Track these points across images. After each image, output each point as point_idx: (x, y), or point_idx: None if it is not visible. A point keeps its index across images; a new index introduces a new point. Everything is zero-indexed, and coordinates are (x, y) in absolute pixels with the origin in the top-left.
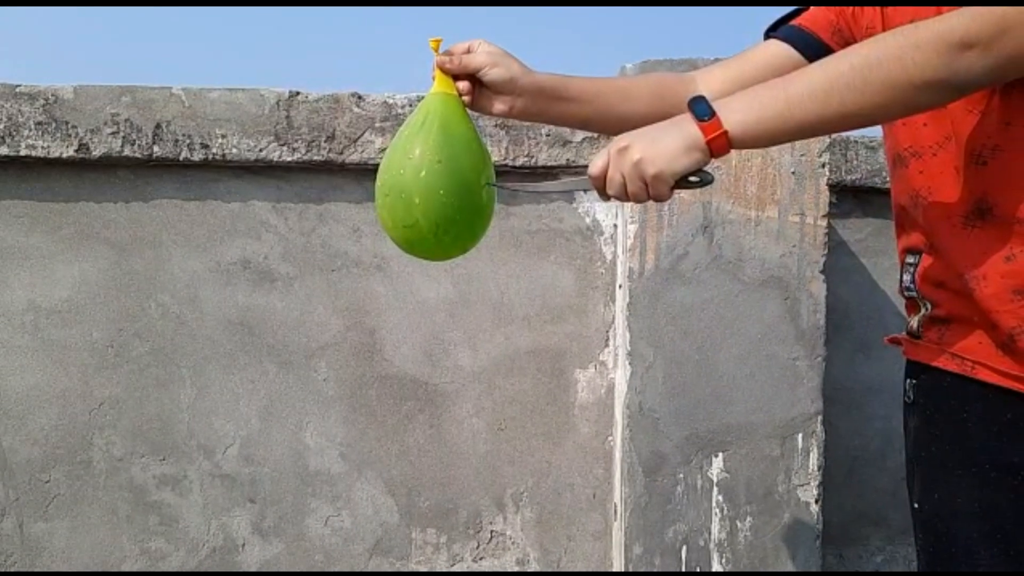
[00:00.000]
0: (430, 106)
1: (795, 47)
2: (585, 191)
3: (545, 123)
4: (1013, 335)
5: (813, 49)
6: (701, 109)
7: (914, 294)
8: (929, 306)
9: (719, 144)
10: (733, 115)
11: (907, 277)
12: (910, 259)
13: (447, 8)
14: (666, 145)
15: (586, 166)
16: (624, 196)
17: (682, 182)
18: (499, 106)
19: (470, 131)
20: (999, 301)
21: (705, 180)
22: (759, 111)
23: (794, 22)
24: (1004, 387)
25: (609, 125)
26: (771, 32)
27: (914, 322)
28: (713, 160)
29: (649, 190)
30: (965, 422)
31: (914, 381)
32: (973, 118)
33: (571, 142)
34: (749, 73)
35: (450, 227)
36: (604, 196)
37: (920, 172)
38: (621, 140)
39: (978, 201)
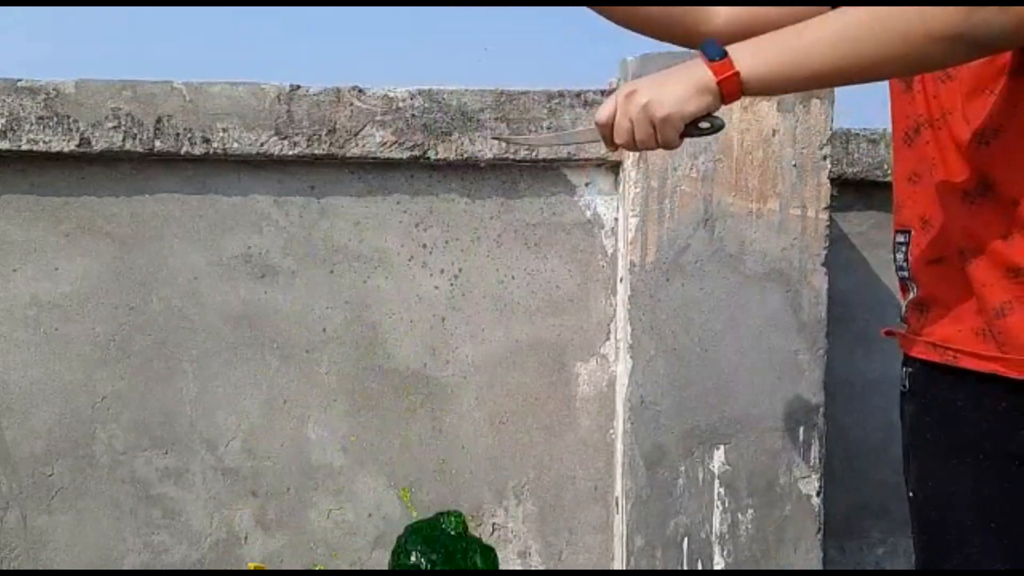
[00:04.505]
0: None
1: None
2: (587, 143)
3: None
4: (1003, 309)
5: None
6: (712, 50)
7: (905, 274)
8: (915, 289)
9: (731, 85)
10: (746, 58)
11: (899, 256)
12: (900, 238)
13: (447, 8)
14: (675, 87)
15: (588, 159)
16: (632, 143)
17: (692, 129)
18: None
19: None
20: (992, 276)
21: (716, 125)
22: (772, 54)
23: None
24: (989, 373)
25: (618, 11)
26: None
27: (904, 306)
28: (720, 151)
29: (658, 135)
30: (959, 411)
31: (909, 370)
32: (982, 97)
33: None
34: (765, 11)
35: None
36: (611, 145)
37: (928, 142)
38: (628, 85)
39: (981, 178)
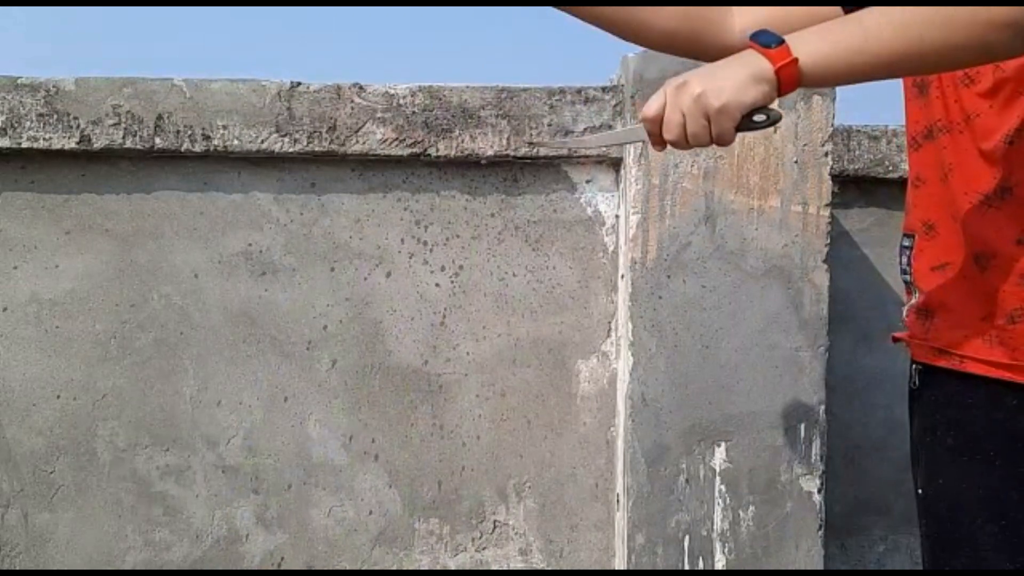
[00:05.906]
0: None
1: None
2: (631, 143)
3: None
4: (1015, 315)
5: None
6: (767, 38)
7: (908, 278)
8: (917, 293)
9: (789, 74)
10: (804, 45)
11: (903, 260)
12: (905, 242)
13: (449, 7)
14: (730, 76)
15: (588, 156)
16: (683, 140)
17: (746, 122)
18: None
19: None
20: (1006, 282)
21: (772, 118)
22: (832, 42)
23: None
24: (995, 378)
25: (628, 26)
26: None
27: (905, 309)
28: (721, 148)
29: (712, 127)
30: (968, 409)
31: (918, 367)
32: (1020, 100)
33: (572, 132)
34: (796, 13)
35: None
36: (659, 144)
37: (944, 147)
38: (678, 78)
39: (1002, 182)
